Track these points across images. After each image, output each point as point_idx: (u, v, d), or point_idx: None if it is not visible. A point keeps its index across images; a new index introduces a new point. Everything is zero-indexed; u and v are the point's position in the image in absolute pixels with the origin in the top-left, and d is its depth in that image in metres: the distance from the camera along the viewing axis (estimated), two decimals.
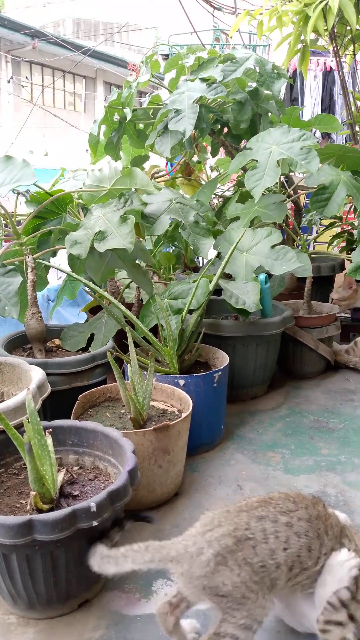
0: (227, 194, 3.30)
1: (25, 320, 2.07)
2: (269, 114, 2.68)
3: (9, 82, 14.49)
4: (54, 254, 2.38)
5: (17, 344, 2.19)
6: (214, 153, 3.04)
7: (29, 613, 1.26)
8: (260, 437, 2.13)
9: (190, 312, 2.03)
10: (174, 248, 2.88)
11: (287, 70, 4.57)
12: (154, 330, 2.07)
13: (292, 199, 2.77)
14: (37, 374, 1.67)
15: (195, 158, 3.01)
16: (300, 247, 2.65)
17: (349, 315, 3.27)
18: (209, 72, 2.41)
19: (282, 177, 2.84)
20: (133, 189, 2.18)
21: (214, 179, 2.91)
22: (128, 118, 2.55)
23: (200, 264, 3.41)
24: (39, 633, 1.23)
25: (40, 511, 1.26)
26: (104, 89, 17.44)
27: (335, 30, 3.53)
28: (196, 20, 5.11)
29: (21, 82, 15.07)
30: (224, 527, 1.09)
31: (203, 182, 3.03)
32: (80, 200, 2.45)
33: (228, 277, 2.20)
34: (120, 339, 2.12)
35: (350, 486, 1.80)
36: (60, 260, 2.85)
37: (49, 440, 1.33)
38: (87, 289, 2.14)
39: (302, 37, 3.20)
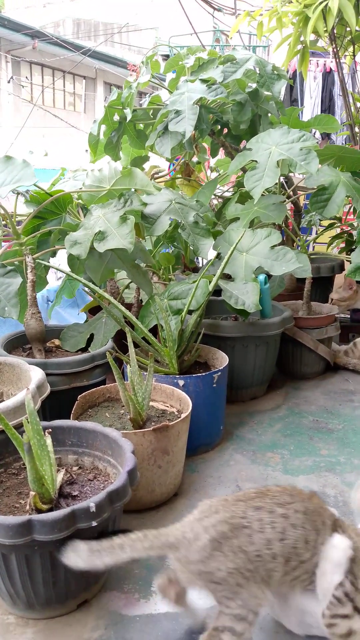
0: (227, 194, 3.30)
1: (25, 320, 2.07)
2: (269, 114, 2.68)
3: (9, 82, 14.49)
4: (54, 254, 2.38)
5: (17, 344, 2.19)
6: (214, 154, 3.04)
7: (27, 613, 1.26)
8: (259, 437, 2.13)
9: (189, 312, 2.03)
10: (173, 248, 2.88)
11: (287, 71, 4.58)
12: (154, 330, 2.07)
13: (291, 200, 2.77)
14: (36, 374, 1.67)
15: (195, 159, 3.01)
16: (299, 248, 2.65)
17: (349, 316, 3.27)
18: (209, 73, 2.42)
19: (281, 177, 2.84)
20: (133, 190, 2.18)
21: (213, 180, 2.91)
22: (128, 118, 2.55)
23: (200, 265, 3.42)
24: (38, 633, 1.23)
25: (39, 511, 1.26)
26: (103, 90, 17.45)
27: (335, 31, 3.54)
28: (196, 21, 5.12)
29: (21, 82, 15.08)
30: (220, 514, 1.11)
31: (203, 183, 3.03)
32: (80, 201, 2.45)
33: (227, 277, 2.20)
34: (119, 339, 2.12)
35: (350, 487, 1.80)
36: (60, 260, 2.85)
37: (49, 440, 1.33)
38: (86, 289, 2.14)
39: (302, 38, 3.21)
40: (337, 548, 1.12)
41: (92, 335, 2.18)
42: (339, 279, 3.27)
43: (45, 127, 12.74)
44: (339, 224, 3.17)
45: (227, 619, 1.07)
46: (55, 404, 1.82)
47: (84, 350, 2.15)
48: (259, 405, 2.41)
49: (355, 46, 3.83)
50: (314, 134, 4.88)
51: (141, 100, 3.19)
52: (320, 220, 3.16)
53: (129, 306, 2.49)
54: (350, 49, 3.94)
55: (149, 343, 2.00)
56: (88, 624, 1.25)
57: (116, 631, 1.24)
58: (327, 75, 5.70)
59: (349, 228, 3.24)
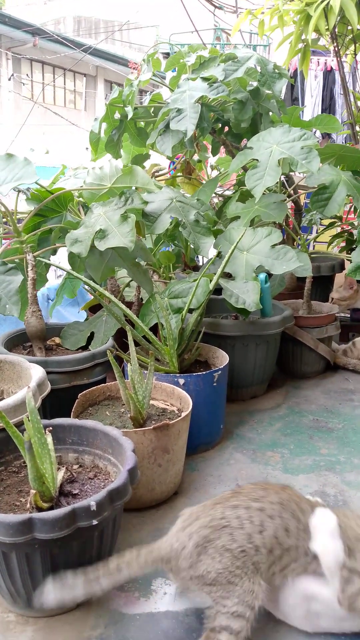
0: (228, 193, 3.30)
1: (26, 318, 2.07)
2: (270, 113, 2.67)
3: (9, 79, 14.49)
4: (54, 252, 2.38)
5: (17, 342, 2.19)
6: (215, 152, 3.03)
7: (28, 611, 1.26)
8: (259, 436, 2.13)
9: (190, 311, 2.03)
10: (174, 247, 2.88)
11: (288, 70, 4.56)
12: (154, 329, 2.07)
13: (292, 199, 2.77)
14: (37, 372, 1.67)
15: (195, 157, 3.01)
16: (300, 247, 2.65)
17: (349, 315, 3.27)
18: (211, 71, 2.41)
19: (282, 176, 2.84)
20: (134, 188, 2.18)
21: (214, 178, 2.91)
22: (129, 116, 2.55)
23: (200, 263, 3.41)
24: (38, 631, 1.23)
25: (40, 510, 1.26)
26: (104, 87, 17.44)
27: (337, 29, 3.54)
28: (197, 19, 5.12)
29: (22, 79, 15.06)
30: (201, 519, 1.16)
31: (203, 181, 3.02)
32: (80, 199, 2.45)
33: (228, 276, 2.20)
34: (120, 337, 2.12)
35: (350, 486, 1.80)
36: (60, 258, 2.85)
37: (49, 438, 1.33)
38: (87, 287, 2.14)
39: (303, 37, 3.20)
40: (325, 517, 1.18)
41: (92, 334, 2.18)
42: (339, 278, 3.27)
43: (46, 124, 12.75)
44: (339, 223, 3.17)
45: (223, 618, 1.09)
46: (56, 402, 1.83)
47: (85, 348, 2.15)
48: (259, 404, 2.41)
49: (357, 45, 3.83)
50: (315, 133, 4.87)
51: (142, 98, 3.19)
52: (321, 219, 3.16)
53: (129, 304, 2.48)
54: (352, 47, 3.94)
55: (150, 341, 2.00)
56: (88, 622, 1.26)
57: (116, 630, 1.24)
58: (328, 73, 5.69)
59: (350, 227, 3.24)
